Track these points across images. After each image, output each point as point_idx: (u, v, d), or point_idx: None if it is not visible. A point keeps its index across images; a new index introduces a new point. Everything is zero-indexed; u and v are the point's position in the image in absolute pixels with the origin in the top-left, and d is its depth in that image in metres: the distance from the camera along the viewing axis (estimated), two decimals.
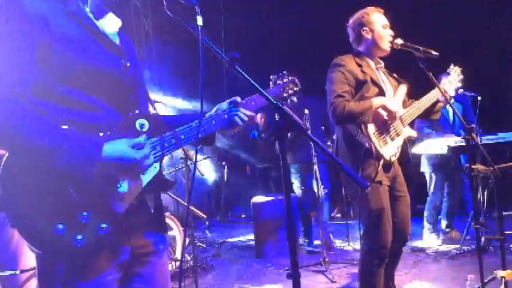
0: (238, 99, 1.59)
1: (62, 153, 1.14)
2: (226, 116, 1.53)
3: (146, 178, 1.31)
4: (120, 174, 1.23)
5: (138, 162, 1.23)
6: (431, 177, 4.96)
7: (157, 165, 1.34)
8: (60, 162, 1.14)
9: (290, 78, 1.74)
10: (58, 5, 1.27)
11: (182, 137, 1.39)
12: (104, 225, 1.19)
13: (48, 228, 1.13)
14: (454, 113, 2.63)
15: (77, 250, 1.15)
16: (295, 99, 1.73)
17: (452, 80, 2.89)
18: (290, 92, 1.73)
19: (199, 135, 1.42)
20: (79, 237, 1.15)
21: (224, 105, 1.56)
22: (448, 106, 3.56)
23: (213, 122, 1.51)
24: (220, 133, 1.61)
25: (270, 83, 1.71)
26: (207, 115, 1.52)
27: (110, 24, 1.41)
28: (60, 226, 1.14)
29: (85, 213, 1.17)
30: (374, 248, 2.60)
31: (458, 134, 4.65)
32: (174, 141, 1.37)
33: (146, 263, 1.38)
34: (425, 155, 4.89)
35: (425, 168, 4.97)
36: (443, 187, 4.91)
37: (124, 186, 1.24)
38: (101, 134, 1.26)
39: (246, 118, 1.56)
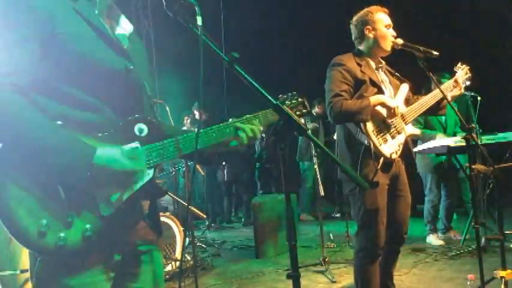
0: (240, 125, 1.48)
1: (56, 153, 1.14)
2: (228, 130, 1.45)
3: (138, 184, 1.28)
4: (113, 182, 1.22)
5: (130, 171, 1.23)
6: (426, 178, 4.96)
7: (151, 171, 1.31)
8: (53, 162, 1.14)
9: (299, 100, 1.68)
10: (67, 2, 1.27)
11: (181, 146, 1.36)
12: (88, 226, 1.18)
13: (33, 225, 1.13)
14: (455, 113, 2.62)
15: (61, 249, 1.15)
16: (302, 120, 1.68)
17: (457, 80, 2.88)
18: (298, 113, 1.67)
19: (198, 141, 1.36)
20: (62, 235, 1.15)
21: (230, 120, 1.48)
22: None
23: (214, 134, 1.42)
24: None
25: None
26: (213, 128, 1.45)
27: (120, 27, 1.41)
28: (45, 223, 1.13)
29: (71, 213, 1.17)
30: (366, 247, 2.62)
31: (452, 136, 4.65)
32: (171, 149, 1.35)
33: (139, 263, 1.38)
34: (419, 156, 4.88)
35: (420, 168, 4.96)
36: (439, 186, 4.91)
37: (114, 196, 1.23)
38: (99, 135, 1.25)
39: (251, 135, 1.47)
